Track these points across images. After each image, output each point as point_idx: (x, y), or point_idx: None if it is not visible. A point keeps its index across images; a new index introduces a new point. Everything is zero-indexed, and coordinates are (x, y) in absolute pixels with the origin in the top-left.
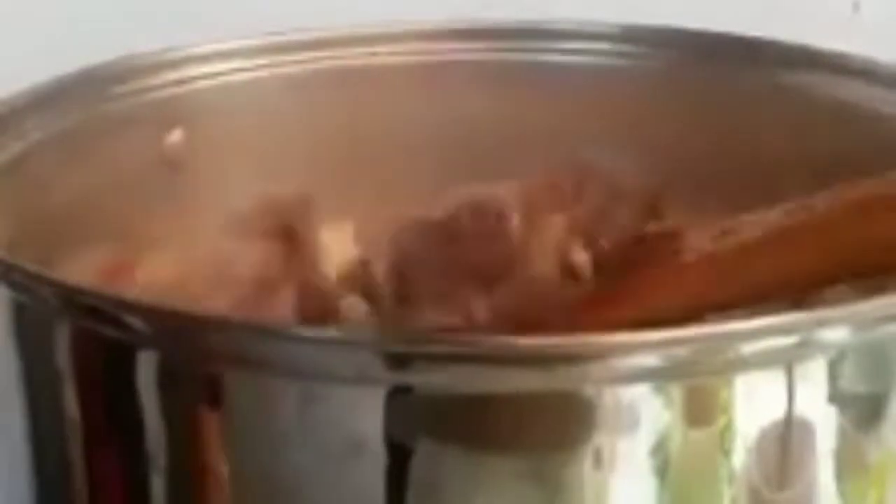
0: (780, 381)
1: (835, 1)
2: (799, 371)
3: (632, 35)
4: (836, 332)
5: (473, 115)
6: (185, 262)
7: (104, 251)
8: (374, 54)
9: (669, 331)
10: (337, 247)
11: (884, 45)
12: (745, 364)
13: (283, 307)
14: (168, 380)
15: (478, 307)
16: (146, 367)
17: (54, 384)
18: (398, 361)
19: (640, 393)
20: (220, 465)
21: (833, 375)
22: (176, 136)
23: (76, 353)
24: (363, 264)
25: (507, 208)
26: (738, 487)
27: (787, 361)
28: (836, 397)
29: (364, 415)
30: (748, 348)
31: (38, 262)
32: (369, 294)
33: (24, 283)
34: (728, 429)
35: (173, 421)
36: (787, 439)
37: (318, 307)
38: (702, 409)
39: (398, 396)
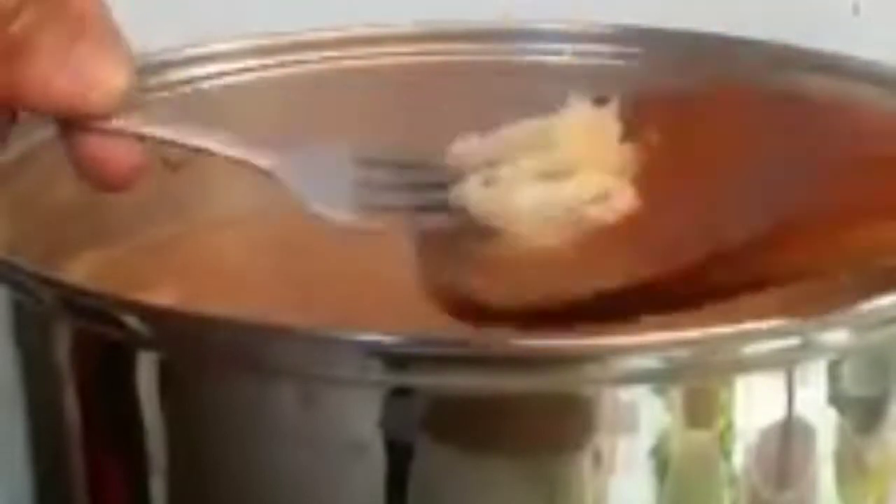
0: (780, 383)
1: (835, 3)
2: (799, 373)
3: (627, 36)
4: (836, 335)
5: (473, 115)
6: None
7: (104, 251)
8: (375, 55)
9: (669, 332)
10: None
11: (884, 46)
12: (746, 366)
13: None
14: (168, 380)
15: None
16: (146, 368)
17: (54, 384)
18: (398, 362)
19: (640, 394)
20: (221, 465)
21: (833, 378)
22: None
23: (76, 354)
24: None
25: None
26: (738, 489)
27: (788, 364)
28: (836, 400)
29: (364, 415)
30: (749, 350)
31: (38, 262)
32: None
33: (24, 283)
34: (728, 431)
35: (173, 421)
36: (787, 441)
37: None
38: (702, 410)
39: (398, 397)
